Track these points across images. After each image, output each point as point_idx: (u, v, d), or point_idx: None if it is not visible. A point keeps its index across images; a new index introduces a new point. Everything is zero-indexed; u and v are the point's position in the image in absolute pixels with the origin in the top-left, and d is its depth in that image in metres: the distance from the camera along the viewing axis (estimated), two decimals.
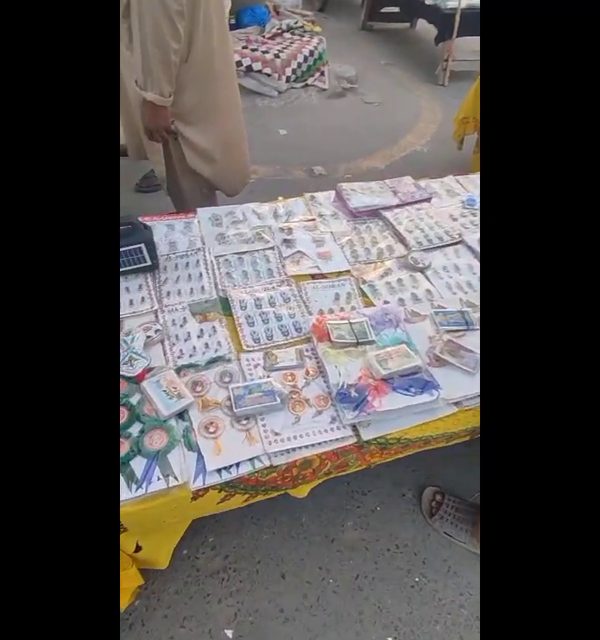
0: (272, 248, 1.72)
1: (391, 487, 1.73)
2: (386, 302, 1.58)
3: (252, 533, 1.58)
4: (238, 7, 4.38)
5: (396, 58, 5.52)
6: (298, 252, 1.71)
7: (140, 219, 1.71)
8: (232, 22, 4.38)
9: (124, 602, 1.28)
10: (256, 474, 1.17)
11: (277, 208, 1.90)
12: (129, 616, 1.40)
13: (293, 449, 1.20)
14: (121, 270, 1.55)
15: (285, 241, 1.74)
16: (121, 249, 1.51)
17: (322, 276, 1.65)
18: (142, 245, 1.54)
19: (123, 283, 1.55)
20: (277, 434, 1.21)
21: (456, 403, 1.33)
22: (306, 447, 1.21)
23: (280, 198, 1.98)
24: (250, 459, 1.17)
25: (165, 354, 1.38)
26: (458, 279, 1.69)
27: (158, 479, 1.11)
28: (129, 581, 1.24)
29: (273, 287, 1.58)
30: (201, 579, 1.48)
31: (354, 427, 1.26)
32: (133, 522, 1.11)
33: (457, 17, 4.54)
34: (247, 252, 1.70)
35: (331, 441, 1.22)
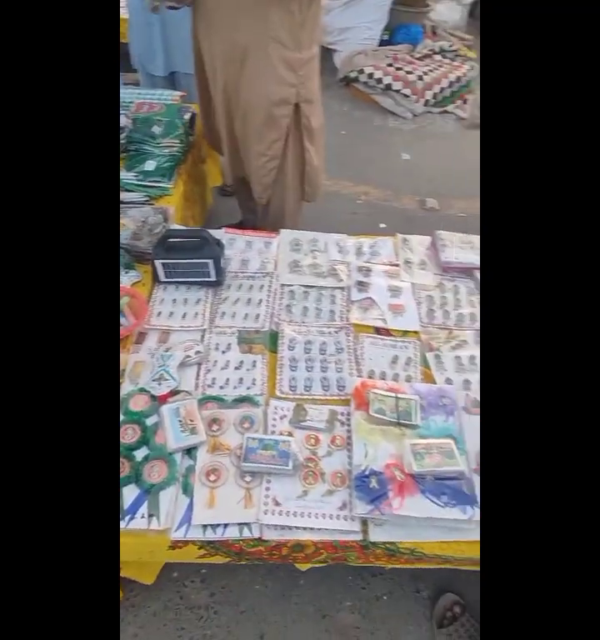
0: (342, 289, 1.59)
1: (407, 577, 1.53)
2: (448, 381, 1.39)
3: (244, 578, 1.49)
4: (394, 25, 4.19)
5: None
6: (369, 298, 1.57)
7: (220, 231, 1.71)
8: (386, 37, 4.21)
9: None
10: (241, 542, 1.07)
11: (362, 245, 1.76)
12: None
13: (289, 528, 1.09)
14: (184, 280, 1.53)
15: (359, 283, 1.60)
16: (188, 261, 1.50)
17: (387, 331, 1.50)
18: (211, 262, 1.50)
19: (184, 294, 1.53)
20: (277, 504, 1.11)
21: None
22: (304, 528, 1.09)
23: (363, 238, 1.84)
24: (239, 524, 1.08)
25: (197, 378, 1.34)
26: None
27: (142, 517, 1.07)
28: None
29: (330, 333, 1.47)
30: (181, 610, 1.43)
31: (364, 522, 1.11)
32: None
33: None
34: (315, 286, 1.59)
35: (333, 530, 1.09)
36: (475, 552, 1.11)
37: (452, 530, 1.11)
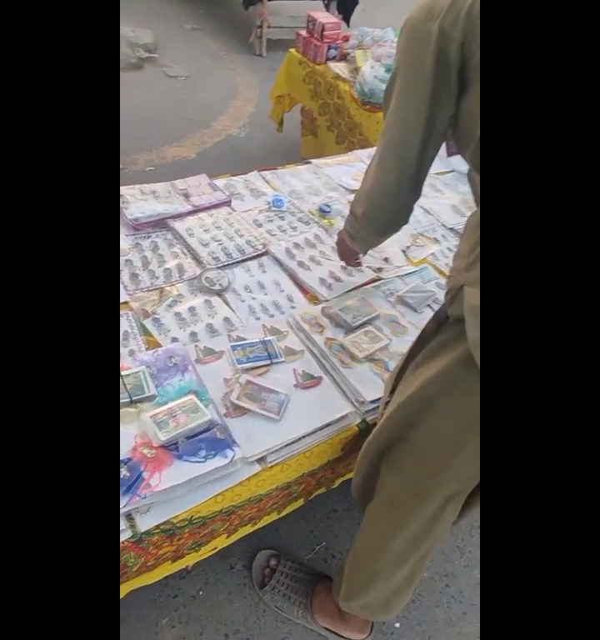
0: None
1: (217, 561, 1.45)
2: (174, 341, 1.33)
3: None
4: None
5: (204, 22, 4.98)
6: None
7: None
8: None
9: None
10: None
11: None
12: None
13: None
14: None
15: None
16: None
17: None
18: None
19: None
20: None
21: (259, 460, 1.14)
22: None
23: None
24: None
25: None
26: (263, 300, 1.50)
27: None
28: None
29: None
30: None
31: (130, 516, 1.00)
32: None
33: None
34: None
35: None
36: (251, 491, 1.11)
37: (221, 479, 1.08)
